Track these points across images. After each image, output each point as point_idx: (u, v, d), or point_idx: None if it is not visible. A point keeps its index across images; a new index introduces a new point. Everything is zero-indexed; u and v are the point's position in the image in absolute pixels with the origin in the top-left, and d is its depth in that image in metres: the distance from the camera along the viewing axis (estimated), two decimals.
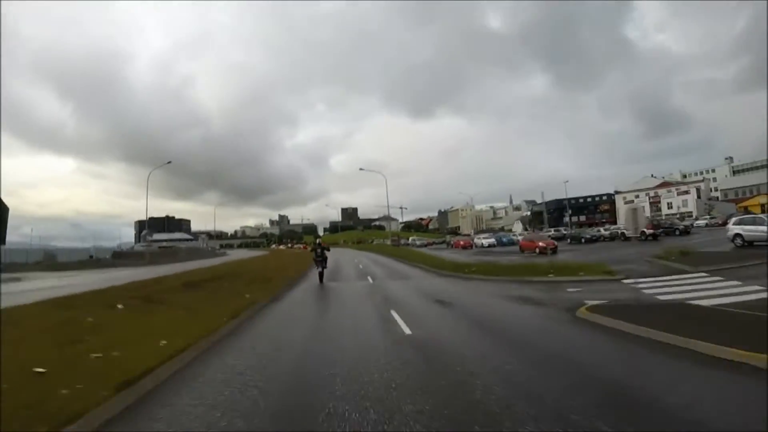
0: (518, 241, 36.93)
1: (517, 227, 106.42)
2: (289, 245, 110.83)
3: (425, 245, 53.26)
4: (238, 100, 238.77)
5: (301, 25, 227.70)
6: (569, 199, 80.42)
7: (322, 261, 17.55)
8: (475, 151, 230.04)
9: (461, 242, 48.24)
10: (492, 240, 45.59)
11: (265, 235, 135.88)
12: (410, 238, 67.81)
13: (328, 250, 19.11)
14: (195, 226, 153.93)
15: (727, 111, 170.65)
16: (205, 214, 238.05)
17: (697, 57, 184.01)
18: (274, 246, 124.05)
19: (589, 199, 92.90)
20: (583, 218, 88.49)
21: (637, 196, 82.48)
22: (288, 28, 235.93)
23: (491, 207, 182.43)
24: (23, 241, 73.20)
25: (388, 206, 55.22)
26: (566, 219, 76.73)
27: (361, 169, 64.99)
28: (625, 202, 76.22)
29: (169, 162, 49.84)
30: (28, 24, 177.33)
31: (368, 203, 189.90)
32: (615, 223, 58.16)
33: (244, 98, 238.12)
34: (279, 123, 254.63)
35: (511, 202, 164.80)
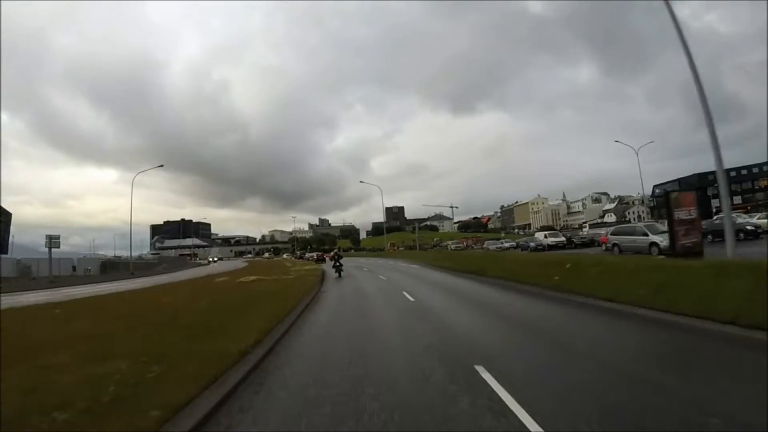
0: None
1: (609, 220, 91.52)
2: (294, 255, 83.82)
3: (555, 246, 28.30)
4: (275, 104, 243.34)
5: (332, 24, 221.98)
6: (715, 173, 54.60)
7: (339, 267, 21.77)
8: (519, 147, 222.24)
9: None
10: None
11: (295, 239, 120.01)
12: (500, 240, 45.53)
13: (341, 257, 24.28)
14: (239, 232, 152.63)
15: None
16: (247, 221, 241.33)
17: (747, 37, 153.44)
18: (266, 255, 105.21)
19: (743, 172, 64.98)
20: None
21: None
22: (320, 29, 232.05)
23: (564, 200, 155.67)
24: (72, 251, 75.33)
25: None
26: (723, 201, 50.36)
27: (361, 182, 52.69)
28: None
29: (160, 165, 44.18)
30: (61, 35, 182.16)
31: (411, 207, 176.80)
32: None
33: (281, 102, 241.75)
34: (317, 126, 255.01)
35: (564, 198, 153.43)
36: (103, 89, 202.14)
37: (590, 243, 28.78)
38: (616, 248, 18.69)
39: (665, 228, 14.19)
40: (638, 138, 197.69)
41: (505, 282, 13.00)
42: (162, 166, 42.41)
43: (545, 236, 30.60)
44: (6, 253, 67.99)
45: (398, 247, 76.45)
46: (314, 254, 52.65)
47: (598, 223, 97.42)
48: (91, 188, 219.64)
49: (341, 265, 21.91)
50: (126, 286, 18.65)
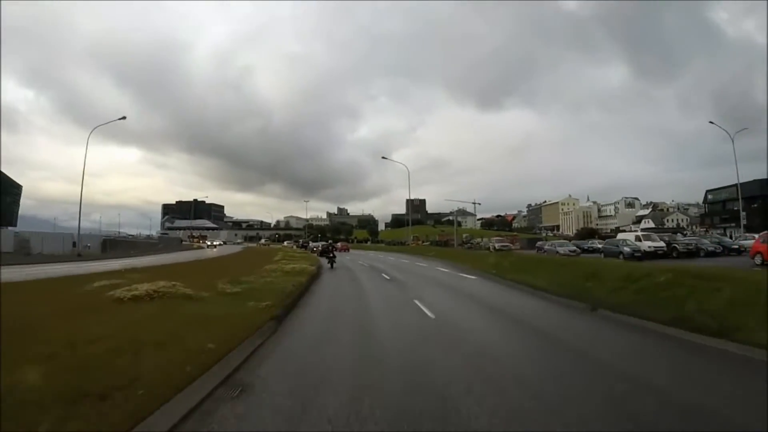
0: None
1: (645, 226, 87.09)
2: (296, 244, 72.97)
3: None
4: (299, 92, 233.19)
5: (363, 15, 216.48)
6: None
7: (332, 258, 22.11)
8: (544, 147, 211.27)
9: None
10: None
11: (311, 226, 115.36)
12: (550, 242, 38.13)
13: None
14: (258, 217, 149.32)
15: None
16: (267, 206, 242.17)
17: None
18: (262, 242, 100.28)
19: None
20: None
21: None
22: (350, 19, 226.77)
23: (595, 203, 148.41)
24: (93, 227, 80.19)
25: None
26: None
27: (383, 158, 45.91)
28: None
29: (123, 117, 36.37)
30: (85, 15, 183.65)
31: (432, 201, 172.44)
32: None
33: (305, 90, 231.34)
34: (340, 116, 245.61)
35: (588, 199, 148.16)
36: (127, 70, 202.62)
37: (696, 252, 22.78)
38: None
39: None
40: (665, 144, 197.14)
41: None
42: (125, 117, 36.12)
43: (637, 238, 24.06)
44: (15, 225, 64.58)
45: (422, 242, 70.84)
46: (319, 244, 38.38)
47: (631, 230, 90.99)
48: (114, 167, 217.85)
49: (334, 256, 22.66)
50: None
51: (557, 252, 26.99)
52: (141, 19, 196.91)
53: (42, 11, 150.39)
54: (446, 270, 19.89)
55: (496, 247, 37.67)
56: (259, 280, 11.05)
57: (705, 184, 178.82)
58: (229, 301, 7.56)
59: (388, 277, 16.28)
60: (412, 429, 2.98)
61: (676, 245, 23.24)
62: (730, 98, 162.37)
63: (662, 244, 22.90)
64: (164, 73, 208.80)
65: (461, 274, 17.50)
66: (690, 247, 22.89)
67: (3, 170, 62.64)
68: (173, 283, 8.35)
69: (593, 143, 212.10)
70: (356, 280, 15.36)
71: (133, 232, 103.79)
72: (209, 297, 7.75)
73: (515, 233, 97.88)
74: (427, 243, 67.85)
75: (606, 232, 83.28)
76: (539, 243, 42.15)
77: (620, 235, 27.84)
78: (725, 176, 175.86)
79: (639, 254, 21.00)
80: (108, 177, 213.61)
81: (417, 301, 9.27)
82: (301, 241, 78.31)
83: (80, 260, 26.11)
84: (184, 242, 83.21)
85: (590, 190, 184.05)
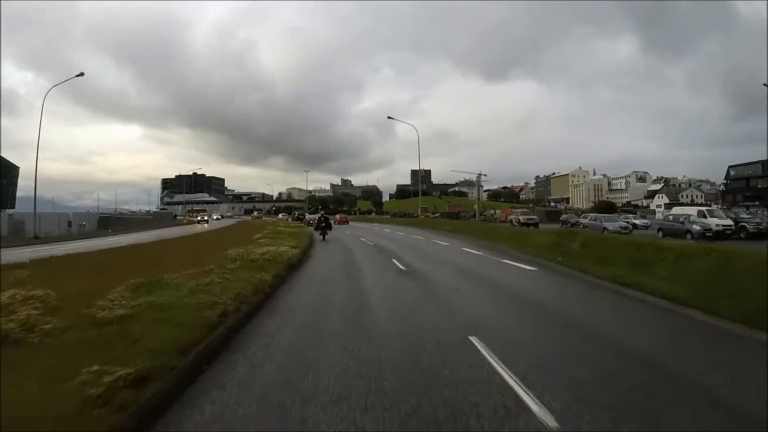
0: None
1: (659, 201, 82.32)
2: (291, 217, 69.11)
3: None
4: (301, 64, 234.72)
5: None
6: None
7: (324, 227, 22.66)
8: (550, 121, 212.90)
9: None
10: None
11: (313, 198, 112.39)
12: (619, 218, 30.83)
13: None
14: (261, 190, 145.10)
15: None
16: (270, 179, 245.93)
17: None
18: (255, 215, 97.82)
19: None
20: None
21: None
22: None
23: (605, 176, 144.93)
24: (93, 206, 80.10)
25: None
26: None
27: (389, 117, 41.38)
28: None
29: (81, 74, 32.80)
30: None
31: (437, 172, 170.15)
32: None
33: (308, 63, 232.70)
34: (343, 88, 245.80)
35: (594, 173, 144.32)
36: (127, 47, 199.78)
37: (766, 232, 19.71)
38: None
39: None
40: (672, 123, 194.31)
41: None
42: (82, 74, 33.53)
43: (701, 214, 20.48)
44: (13, 207, 61.85)
45: (432, 214, 66.60)
46: (315, 216, 32.13)
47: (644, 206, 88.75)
48: (116, 145, 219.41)
49: (327, 226, 22.90)
50: None
51: (605, 228, 22.35)
52: None
53: None
54: (479, 253, 14.91)
55: (522, 221, 33.45)
56: (190, 283, 6.74)
57: (712, 162, 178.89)
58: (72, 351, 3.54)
59: (403, 268, 11.37)
60: None
61: (745, 224, 20.18)
62: (739, 76, 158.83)
63: (730, 222, 19.79)
64: (165, 48, 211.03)
65: (508, 262, 12.33)
66: (761, 227, 19.85)
67: (3, 154, 59.67)
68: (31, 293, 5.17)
69: (599, 118, 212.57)
70: (356, 273, 10.72)
71: (135, 208, 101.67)
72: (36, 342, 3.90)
73: (531, 205, 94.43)
74: (436, 215, 64.89)
75: (620, 207, 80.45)
76: (564, 216, 39.04)
77: (676, 210, 24.39)
78: (730, 156, 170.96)
79: (710, 233, 17.97)
80: (110, 155, 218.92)
81: (477, 343, 4.62)
82: (296, 213, 74.21)
83: (38, 243, 23.17)
84: (178, 216, 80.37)
85: (596, 164, 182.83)
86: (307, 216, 51.48)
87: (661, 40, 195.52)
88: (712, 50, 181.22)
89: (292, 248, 13.83)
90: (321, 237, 22.06)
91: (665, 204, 71.56)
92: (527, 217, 34.85)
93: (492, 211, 61.79)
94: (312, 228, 27.00)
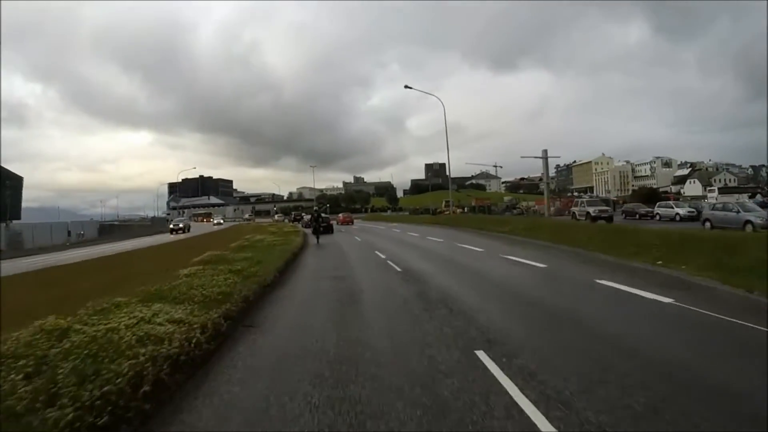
0: None
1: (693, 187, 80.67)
2: (289, 219, 63.60)
3: None
4: (308, 63, 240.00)
5: None
6: None
7: (320, 230, 21.50)
8: (562, 110, 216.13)
9: None
10: None
11: (323, 196, 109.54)
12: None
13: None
14: (272, 191, 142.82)
15: None
16: (282, 181, 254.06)
17: None
18: (246, 217, 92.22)
19: None
20: None
21: None
22: None
23: (628, 162, 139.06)
24: (111, 213, 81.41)
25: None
26: None
27: (406, 86, 34.79)
28: None
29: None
30: (86, 5, 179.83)
31: (451, 166, 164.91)
32: None
33: (315, 61, 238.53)
34: (352, 85, 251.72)
35: (611, 159, 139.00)
36: (133, 54, 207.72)
37: None
38: None
39: None
40: (684, 106, 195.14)
41: None
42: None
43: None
44: (18, 218, 61.00)
45: (457, 210, 58.08)
46: (311, 215, 29.62)
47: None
48: (128, 152, 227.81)
49: (326, 229, 22.79)
50: None
51: (748, 221, 16.51)
52: (142, 4, 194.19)
53: (42, 4, 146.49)
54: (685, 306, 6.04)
55: (593, 214, 25.83)
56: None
57: (729, 144, 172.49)
58: None
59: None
60: None
61: None
62: (753, 57, 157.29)
63: None
64: (171, 54, 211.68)
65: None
66: None
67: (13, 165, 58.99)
68: None
69: (611, 104, 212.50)
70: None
71: (151, 214, 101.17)
72: None
73: (570, 195, 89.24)
74: (464, 210, 60.18)
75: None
76: (628, 206, 34.47)
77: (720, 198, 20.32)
78: (743, 139, 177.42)
79: None
80: (122, 162, 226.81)
81: None
82: (293, 214, 68.78)
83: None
84: (175, 221, 79.02)
85: (609, 151, 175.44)
86: (305, 217, 47.25)
87: (671, 22, 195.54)
88: (723, 31, 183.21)
89: (261, 275, 8.16)
90: (316, 241, 20.58)
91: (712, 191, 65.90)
92: (599, 209, 27.00)
93: (525, 203, 56.85)
94: (311, 231, 23.18)
